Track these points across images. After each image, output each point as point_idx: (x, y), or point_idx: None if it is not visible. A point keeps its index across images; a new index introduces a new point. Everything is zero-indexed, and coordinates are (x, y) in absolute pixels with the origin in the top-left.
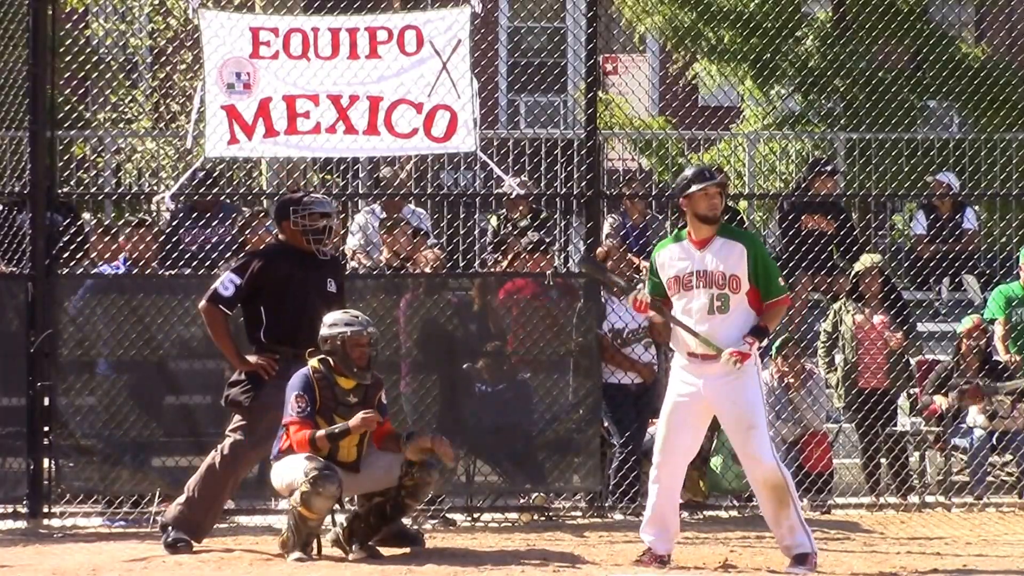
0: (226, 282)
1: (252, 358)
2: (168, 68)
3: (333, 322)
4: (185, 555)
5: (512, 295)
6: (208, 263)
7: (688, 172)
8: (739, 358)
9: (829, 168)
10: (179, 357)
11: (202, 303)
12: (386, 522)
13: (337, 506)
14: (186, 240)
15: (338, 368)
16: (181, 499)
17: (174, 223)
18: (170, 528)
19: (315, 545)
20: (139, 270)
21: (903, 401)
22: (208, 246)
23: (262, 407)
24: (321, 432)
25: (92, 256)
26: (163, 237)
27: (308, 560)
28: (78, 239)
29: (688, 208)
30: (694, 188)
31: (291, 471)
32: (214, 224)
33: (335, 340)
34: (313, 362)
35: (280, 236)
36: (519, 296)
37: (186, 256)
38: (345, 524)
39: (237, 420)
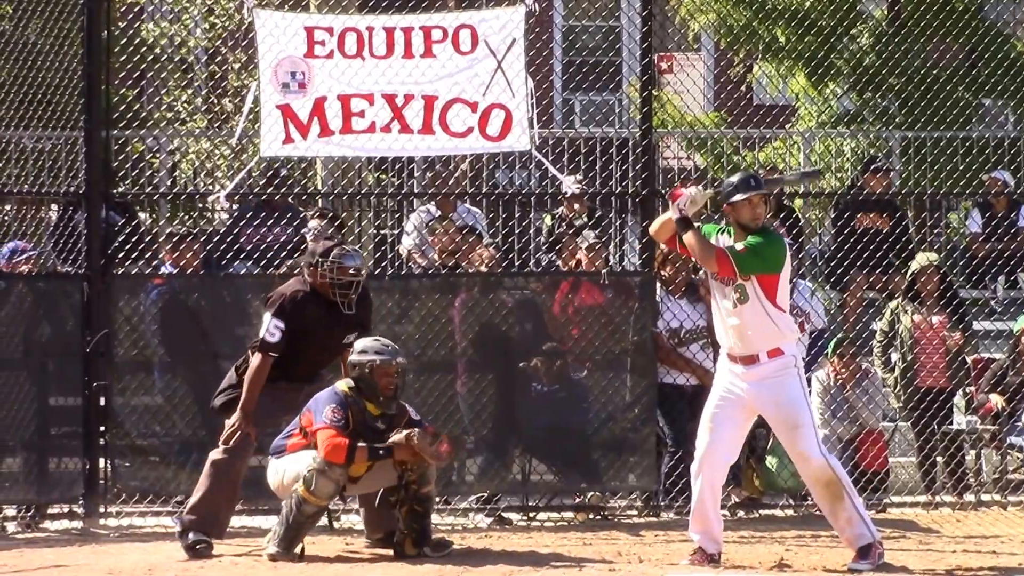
0: (271, 329)
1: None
2: (224, 67)
3: (363, 349)
4: (241, 556)
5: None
6: (264, 263)
7: (734, 179)
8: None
9: (882, 165)
10: (235, 357)
11: (256, 357)
12: (425, 517)
13: (336, 504)
14: (241, 240)
15: (364, 394)
16: (193, 500)
17: (229, 223)
18: (188, 533)
19: (300, 548)
20: (193, 269)
21: (959, 399)
22: (263, 246)
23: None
24: (363, 444)
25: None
26: (217, 237)
27: (288, 560)
28: (134, 239)
29: (732, 215)
30: (738, 197)
31: (295, 464)
32: (269, 224)
33: (363, 367)
34: (343, 386)
35: (307, 278)
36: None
37: (241, 256)
38: (399, 538)
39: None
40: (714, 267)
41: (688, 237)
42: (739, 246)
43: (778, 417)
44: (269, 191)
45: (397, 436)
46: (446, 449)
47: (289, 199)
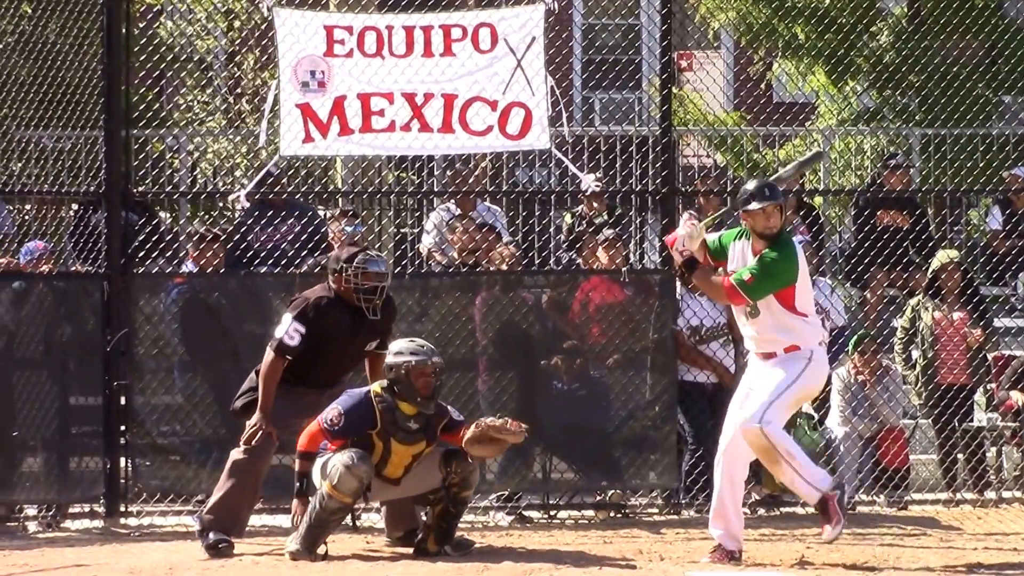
0: (291, 331)
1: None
2: (244, 66)
3: (399, 350)
4: (262, 555)
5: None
6: (284, 261)
7: (750, 187)
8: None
9: (901, 162)
10: (255, 356)
11: (270, 354)
12: (456, 519)
13: (359, 504)
14: (261, 239)
15: (400, 395)
16: (214, 499)
17: (248, 222)
18: (209, 532)
19: (324, 549)
20: (213, 268)
21: (980, 396)
22: (284, 244)
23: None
24: (301, 463)
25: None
26: (237, 236)
27: (309, 559)
28: (154, 238)
29: (747, 222)
30: (753, 206)
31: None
32: (290, 222)
33: (400, 368)
34: (376, 387)
35: (331, 284)
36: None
37: (261, 255)
38: (422, 534)
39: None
40: (726, 301)
41: (696, 280)
42: (746, 275)
43: (755, 382)
44: (290, 190)
45: (470, 432)
46: (515, 423)
47: (309, 198)
